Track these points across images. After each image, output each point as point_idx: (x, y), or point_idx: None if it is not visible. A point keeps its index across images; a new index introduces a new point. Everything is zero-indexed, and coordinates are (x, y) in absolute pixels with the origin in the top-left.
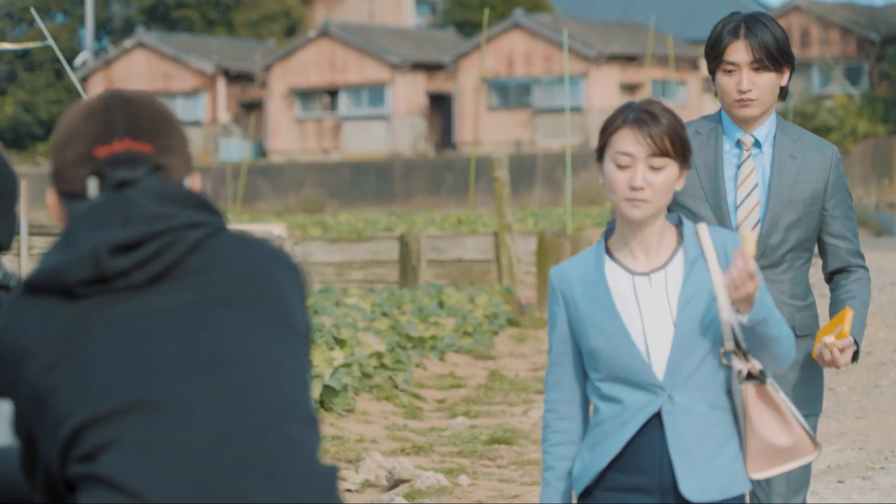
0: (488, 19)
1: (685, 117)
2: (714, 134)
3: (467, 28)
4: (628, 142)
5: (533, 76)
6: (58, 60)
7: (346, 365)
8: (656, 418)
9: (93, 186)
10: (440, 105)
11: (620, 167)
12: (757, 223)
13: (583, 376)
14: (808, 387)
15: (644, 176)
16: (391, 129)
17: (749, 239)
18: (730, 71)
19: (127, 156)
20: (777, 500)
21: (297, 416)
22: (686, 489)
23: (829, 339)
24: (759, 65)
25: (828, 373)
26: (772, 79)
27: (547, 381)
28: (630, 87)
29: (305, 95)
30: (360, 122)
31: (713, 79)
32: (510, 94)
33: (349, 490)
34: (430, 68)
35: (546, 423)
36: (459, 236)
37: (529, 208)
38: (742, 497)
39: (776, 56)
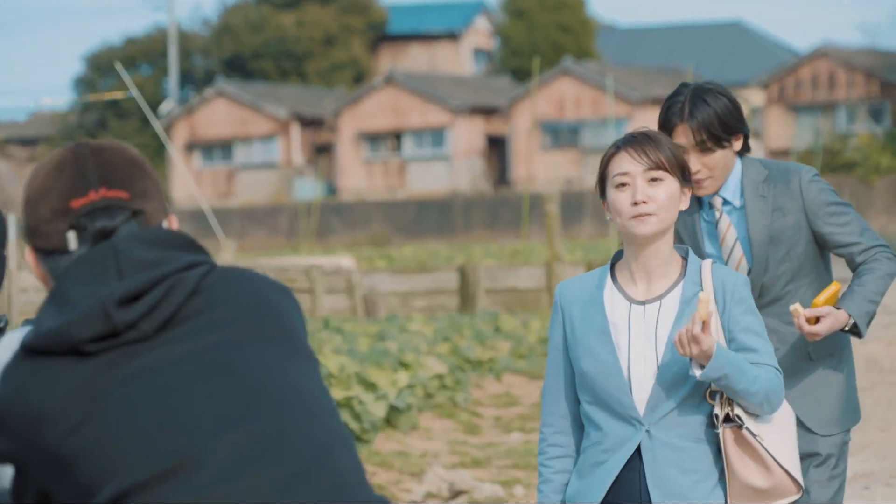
0: (540, 66)
1: None
2: (690, 205)
3: (521, 75)
4: (625, 162)
5: (581, 118)
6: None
7: (411, 386)
8: (636, 452)
9: (72, 239)
10: (496, 146)
11: (620, 187)
12: (749, 269)
13: (576, 392)
14: (831, 408)
15: (644, 190)
16: (452, 169)
17: (703, 301)
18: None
19: (104, 203)
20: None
21: (340, 446)
22: None
23: (795, 306)
24: (702, 147)
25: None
26: (719, 155)
27: (544, 392)
28: None
29: (372, 138)
30: (423, 162)
31: None
32: (561, 135)
33: (414, 502)
34: (487, 112)
35: (543, 437)
36: (514, 267)
37: (579, 241)
38: None
39: (719, 135)
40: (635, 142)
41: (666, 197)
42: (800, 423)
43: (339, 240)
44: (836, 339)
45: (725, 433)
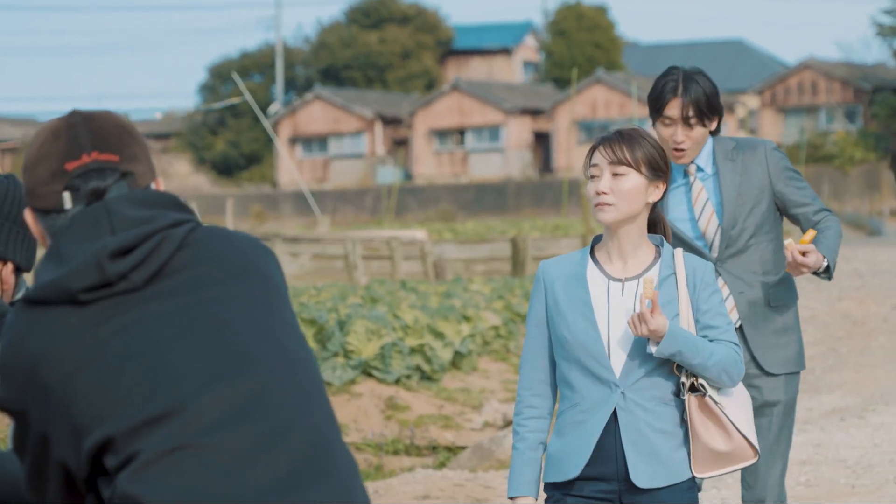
0: (577, 76)
1: None
2: None
3: (561, 83)
4: (596, 156)
5: (611, 118)
6: (255, 108)
7: (472, 335)
8: (612, 413)
9: (67, 199)
10: (542, 140)
11: (592, 178)
12: (718, 226)
13: (553, 359)
14: (785, 350)
15: (608, 182)
16: (505, 159)
17: (647, 282)
18: (668, 124)
19: (96, 166)
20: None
21: (317, 404)
22: (636, 477)
23: (789, 241)
24: (688, 121)
25: (832, 335)
26: (701, 131)
27: (524, 359)
28: None
29: (441, 134)
30: (482, 153)
31: (653, 125)
32: (593, 131)
33: (473, 429)
34: (534, 113)
35: (520, 399)
36: (556, 238)
37: None
38: (688, 482)
39: (705, 111)
40: (610, 139)
41: (627, 190)
42: (758, 367)
43: (413, 216)
44: (789, 291)
45: (690, 400)
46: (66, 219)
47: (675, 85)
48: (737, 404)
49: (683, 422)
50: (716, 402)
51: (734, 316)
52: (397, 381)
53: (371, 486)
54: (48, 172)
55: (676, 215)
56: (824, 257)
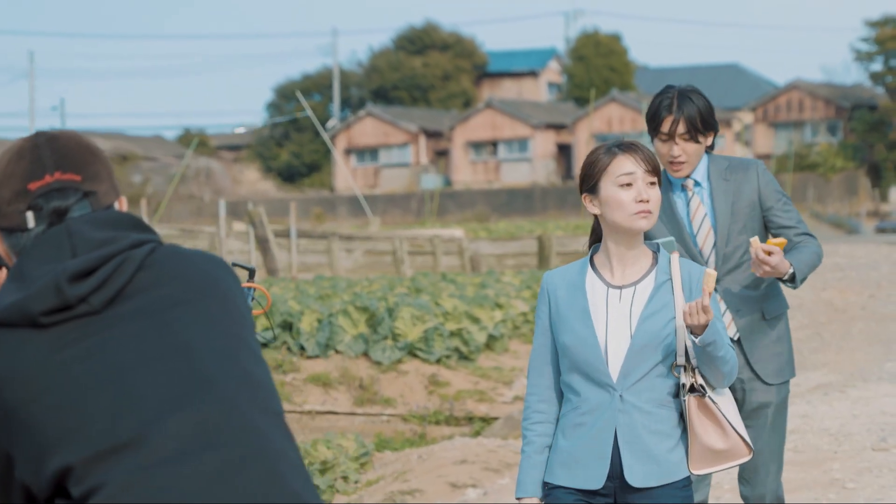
0: (594, 96)
1: None
2: (664, 185)
3: (581, 101)
4: (628, 164)
5: (624, 132)
6: (315, 123)
7: (503, 321)
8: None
9: (30, 218)
10: (564, 151)
11: (625, 186)
12: (714, 242)
13: (558, 365)
14: (779, 359)
15: (647, 191)
16: (532, 168)
17: (709, 276)
18: (664, 140)
19: (58, 185)
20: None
21: (277, 430)
22: (630, 476)
23: (754, 238)
24: (686, 136)
25: (816, 321)
26: (696, 146)
27: (530, 366)
28: None
29: (476, 146)
30: (512, 163)
31: (651, 141)
32: None
33: (504, 402)
34: (557, 128)
35: (528, 404)
36: (577, 236)
37: None
38: (683, 481)
39: (699, 128)
40: (635, 148)
41: (658, 197)
42: (755, 376)
43: (452, 217)
44: (781, 302)
45: (690, 400)
46: (30, 238)
47: (669, 103)
48: (729, 403)
49: (679, 423)
50: (714, 402)
51: (732, 330)
52: (438, 361)
53: (416, 452)
54: (12, 192)
55: (674, 230)
56: (790, 264)
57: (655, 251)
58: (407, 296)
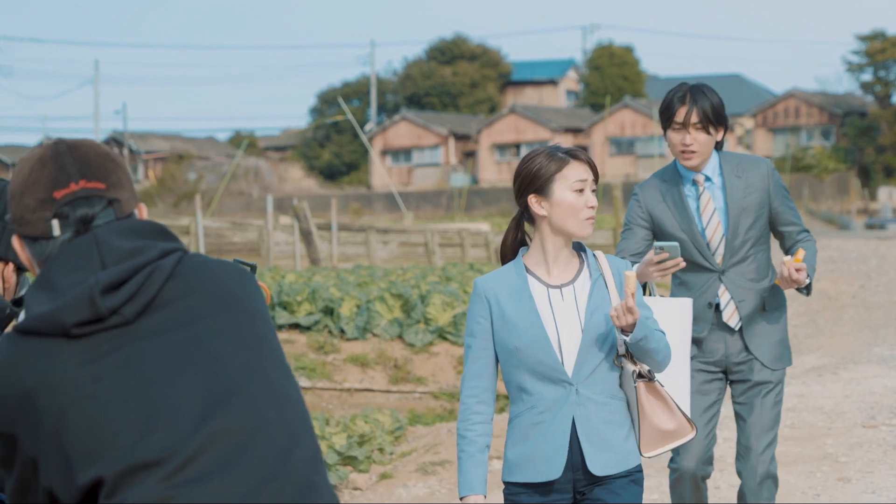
0: (609, 102)
1: None
2: (676, 179)
3: (597, 107)
4: (581, 171)
5: (636, 136)
6: (354, 126)
7: None
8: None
9: (56, 226)
10: None
11: (578, 192)
12: (722, 236)
13: (496, 368)
14: (779, 347)
15: (593, 197)
16: None
17: (629, 278)
18: (677, 129)
19: (84, 193)
20: (754, 438)
21: (304, 451)
22: (591, 465)
23: (787, 258)
24: (699, 126)
25: (811, 309)
26: (706, 138)
27: (468, 370)
28: None
29: (501, 147)
30: None
31: (665, 135)
32: (622, 146)
33: None
34: (575, 131)
35: (466, 406)
36: (595, 230)
37: None
38: (636, 468)
39: (712, 119)
40: (585, 156)
41: (596, 205)
42: (757, 360)
43: (479, 213)
44: (780, 295)
45: (640, 386)
46: (56, 246)
47: (683, 94)
48: (671, 387)
49: (627, 413)
50: (661, 385)
51: (734, 320)
52: None
53: (445, 426)
54: (36, 200)
55: (684, 223)
56: (808, 276)
57: (580, 251)
58: (438, 284)
